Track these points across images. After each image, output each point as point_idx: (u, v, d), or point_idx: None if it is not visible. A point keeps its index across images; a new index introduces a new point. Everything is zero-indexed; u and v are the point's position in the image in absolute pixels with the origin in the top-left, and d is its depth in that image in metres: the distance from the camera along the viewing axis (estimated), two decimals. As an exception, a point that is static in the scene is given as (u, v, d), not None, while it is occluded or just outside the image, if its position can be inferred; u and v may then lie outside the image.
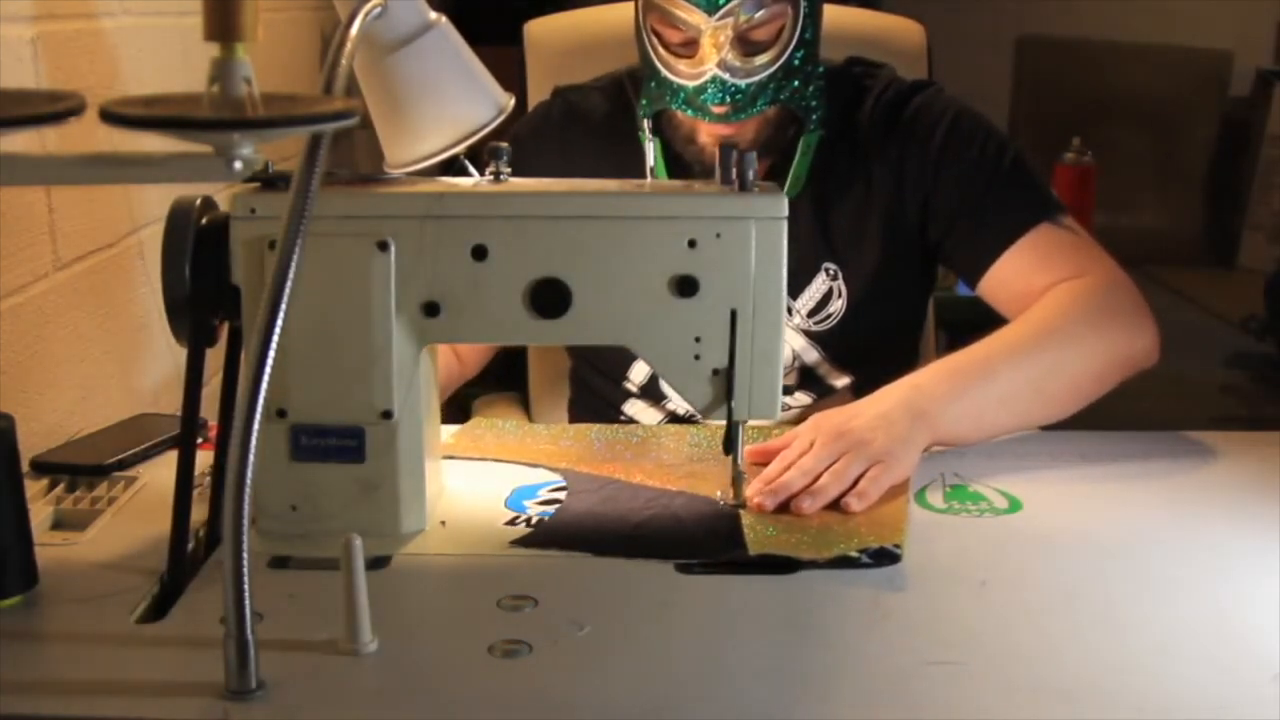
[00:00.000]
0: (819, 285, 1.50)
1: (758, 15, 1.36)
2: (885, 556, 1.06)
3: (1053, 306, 1.35)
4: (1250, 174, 3.56)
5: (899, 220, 1.49)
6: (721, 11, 1.35)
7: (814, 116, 1.45)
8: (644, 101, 1.46)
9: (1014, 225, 1.42)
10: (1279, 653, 0.91)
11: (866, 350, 1.52)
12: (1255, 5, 3.64)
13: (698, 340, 1.10)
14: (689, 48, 1.39)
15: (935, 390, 1.26)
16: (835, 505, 1.16)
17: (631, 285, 1.09)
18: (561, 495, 1.20)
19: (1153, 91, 3.68)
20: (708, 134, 1.43)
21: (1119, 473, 1.26)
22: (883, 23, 1.89)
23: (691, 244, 1.08)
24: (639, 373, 1.55)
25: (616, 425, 1.44)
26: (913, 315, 1.62)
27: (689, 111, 1.41)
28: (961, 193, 1.46)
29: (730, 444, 1.13)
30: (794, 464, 1.19)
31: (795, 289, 1.50)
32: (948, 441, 1.27)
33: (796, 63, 1.40)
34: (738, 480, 1.16)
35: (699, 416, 1.21)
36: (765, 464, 1.21)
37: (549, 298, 1.09)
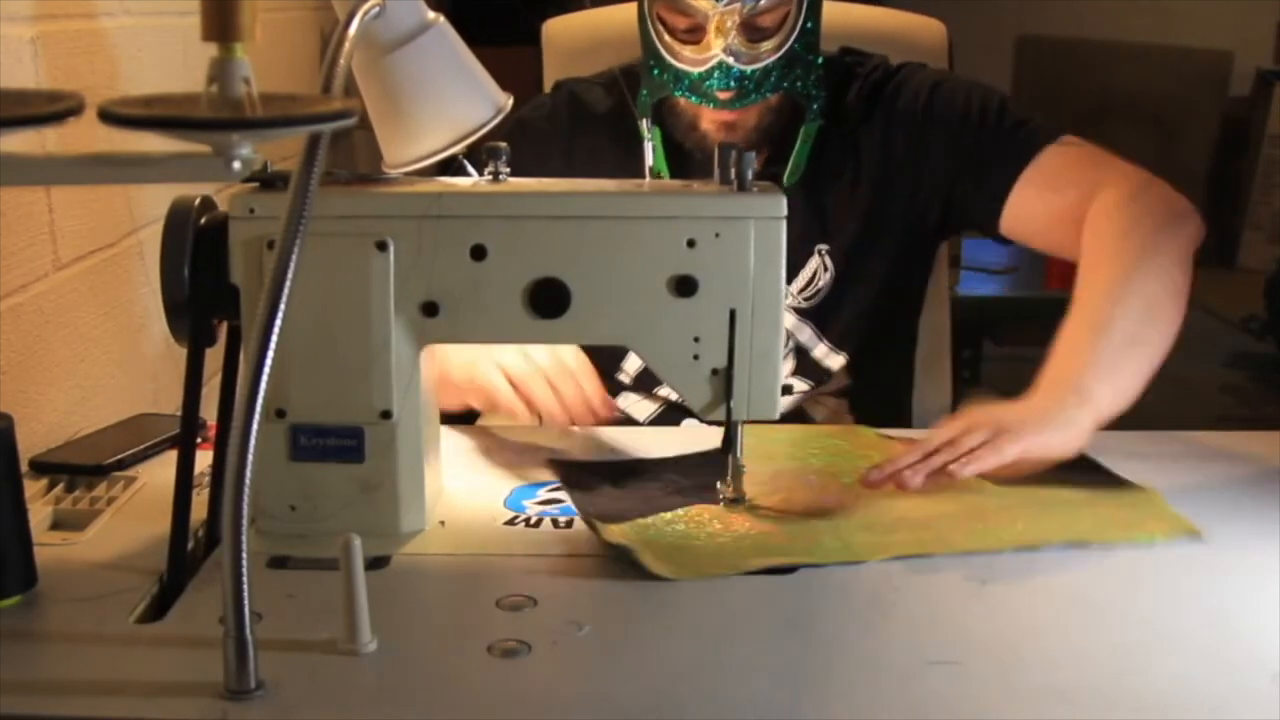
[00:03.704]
0: (812, 266, 1.51)
1: (763, 2, 1.37)
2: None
3: (1108, 231, 1.33)
4: (1250, 174, 3.56)
5: (885, 193, 1.51)
6: None
7: (814, 106, 1.46)
8: (644, 92, 1.47)
9: (1015, 159, 1.42)
10: (1279, 653, 0.91)
11: (858, 326, 1.53)
12: (1255, 5, 3.64)
13: (697, 340, 1.10)
14: (694, 34, 1.40)
15: (1077, 370, 1.21)
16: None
17: (631, 285, 1.09)
18: (561, 495, 1.20)
19: (1153, 91, 3.68)
20: (710, 121, 1.44)
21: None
22: (903, 21, 1.90)
23: (690, 244, 1.08)
24: (633, 364, 1.56)
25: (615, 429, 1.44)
26: (905, 294, 1.62)
27: (693, 98, 1.42)
28: (955, 150, 1.47)
29: (729, 444, 1.13)
30: (939, 449, 1.16)
31: (790, 274, 1.50)
32: (1112, 413, 1.21)
33: (799, 50, 1.41)
34: (737, 474, 1.16)
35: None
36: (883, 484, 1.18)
37: (548, 298, 1.09)
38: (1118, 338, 1.24)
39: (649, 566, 1.03)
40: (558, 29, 1.89)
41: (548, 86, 1.83)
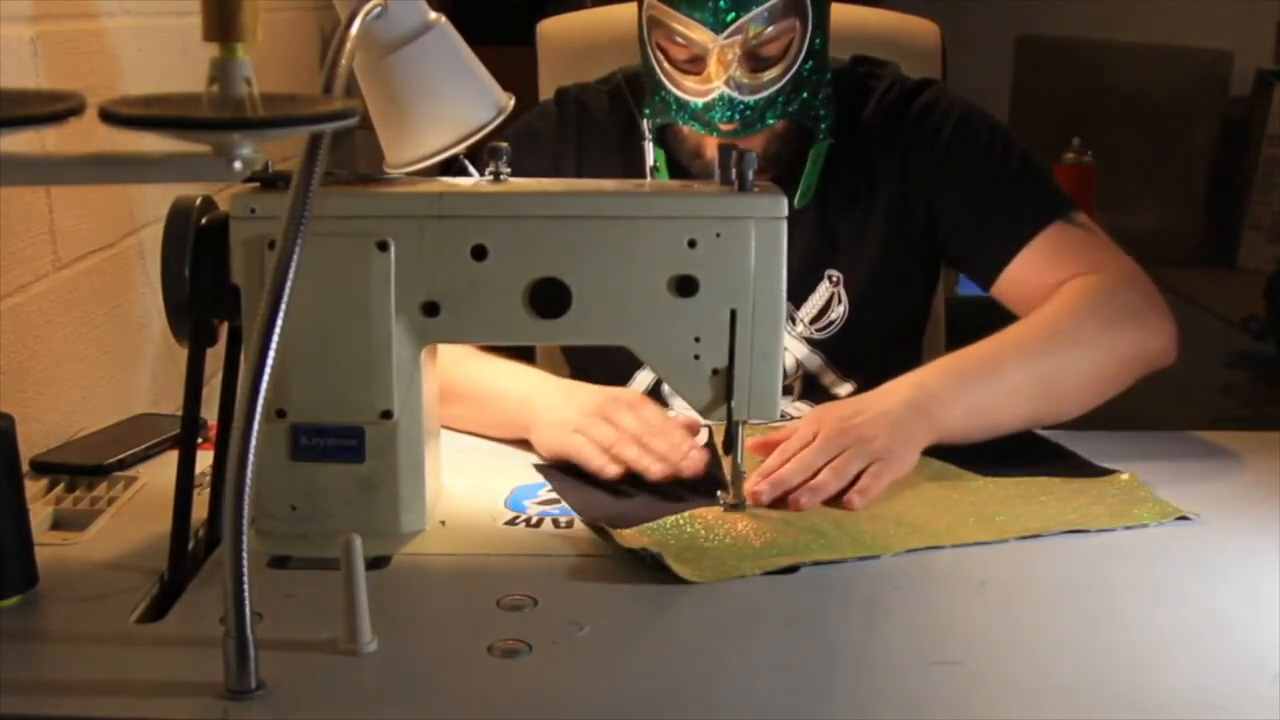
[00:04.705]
0: (822, 293, 1.49)
1: (767, 31, 1.34)
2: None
3: (1063, 304, 1.34)
4: (1250, 174, 3.56)
5: (903, 222, 1.48)
6: (730, 30, 1.32)
7: (823, 126, 1.44)
8: (647, 111, 1.46)
9: (1027, 226, 1.41)
10: (1279, 653, 0.91)
11: (869, 355, 1.50)
12: (1255, 5, 3.64)
13: (697, 340, 1.10)
14: (695, 64, 1.37)
15: (939, 389, 1.26)
16: (837, 501, 1.16)
17: (631, 285, 1.09)
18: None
19: (1153, 91, 3.67)
20: (715, 149, 1.42)
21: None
22: (897, 22, 1.89)
23: (691, 244, 1.08)
24: (640, 384, 1.54)
25: None
26: (914, 318, 1.61)
27: (696, 127, 1.40)
28: (969, 193, 1.45)
29: (730, 444, 1.13)
30: (794, 458, 1.19)
31: (800, 297, 1.49)
32: (950, 440, 1.27)
33: (805, 74, 1.39)
34: (738, 479, 1.16)
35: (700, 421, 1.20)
36: (765, 456, 1.22)
37: (549, 298, 1.09)
38: (1000, 388, 1.28)
39: (675, 570, 1.02)
40: (553, 29, 1.88)
41: (544, 88, 1.82)
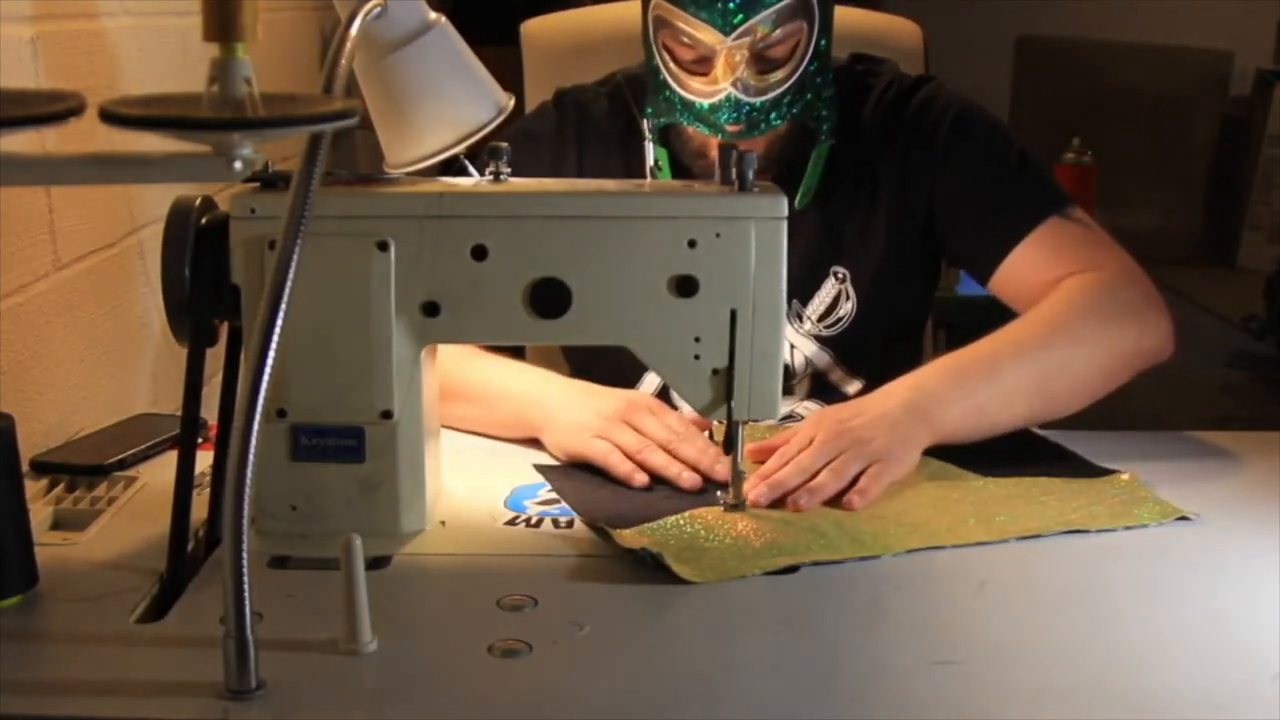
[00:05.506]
0: (829, 289, 1.49)
1: (775, 34, 1.34)
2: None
3: (1060, 302, 1.34)
4: (1250, 174, 3.56)
5: (904, 219, 1.48)
6: (738, 31, 1.32)
7: (824, 127, 1.44)
8: (649, 110, 1.46)
9: (1023, 220, 1.41)
10: (1279, 653, 0.91)
11: (876, 352, 1.51)
12: (1255, 5, 3.64)
13: (697, 340, 1.10)
14: (702, 65, 1.36)
15: (937, 390, 1.26)
16: (836, 502, 1.16)
17: (631, 285, 1.09)
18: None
19: (1153, 91, 3.67)
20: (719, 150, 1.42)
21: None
22: (880, 23, 1.89)
23: (691, 244, 1.08)
24: (649, 386, 1.52)
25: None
26: (918, 314, 1.62)
27: (701, 128, 1.40)
28: (967, 190, 1.45)
29: (730, 444, 1.13)
30: (792, 460, 1.19)
31: (806, 295, 1.49)
32: (950, 440, 1.27)
33: (810, 75, 1.39)
34: (737, 480, 1.16)
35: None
36: (764, 461, 1.22)
37: (549, 298, 1.09)
38: (998, 388, 1.28)
39: (675, 570, 1.02)
40: (537, 29, 1.87)
41: (529, 88, 1.81)
